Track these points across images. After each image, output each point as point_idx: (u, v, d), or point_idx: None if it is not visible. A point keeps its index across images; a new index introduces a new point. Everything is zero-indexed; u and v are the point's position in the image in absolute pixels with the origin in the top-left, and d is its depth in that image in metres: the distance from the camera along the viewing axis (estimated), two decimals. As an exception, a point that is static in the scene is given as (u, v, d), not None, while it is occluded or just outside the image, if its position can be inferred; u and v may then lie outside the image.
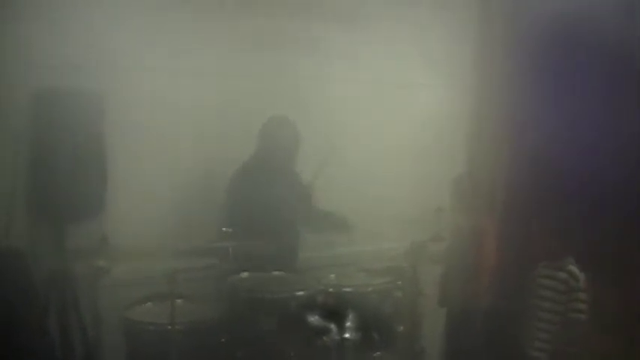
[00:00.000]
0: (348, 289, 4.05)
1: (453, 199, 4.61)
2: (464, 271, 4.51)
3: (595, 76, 4.82)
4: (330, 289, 4.01)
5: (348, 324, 3.84)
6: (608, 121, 4.79)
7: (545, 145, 4.92)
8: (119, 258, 3.83)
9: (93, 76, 4.17)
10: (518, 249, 4.62)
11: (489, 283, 4.54)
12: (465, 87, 5.49)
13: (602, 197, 4.68)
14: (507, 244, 4.70)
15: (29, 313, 3.84)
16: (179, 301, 3.75)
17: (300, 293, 3.83)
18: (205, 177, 4.63)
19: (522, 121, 5.07)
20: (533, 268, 4.37)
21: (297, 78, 4.98)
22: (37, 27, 4.06)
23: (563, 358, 4.16)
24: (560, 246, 4.26)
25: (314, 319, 3.78)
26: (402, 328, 4.11)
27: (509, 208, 4.96)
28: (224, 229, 3.82)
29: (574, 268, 4.16)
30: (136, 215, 4.32)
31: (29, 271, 3.95)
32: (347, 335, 3.80)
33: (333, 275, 4.25)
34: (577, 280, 4.14)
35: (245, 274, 4.04)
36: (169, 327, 3.62)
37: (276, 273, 4.13)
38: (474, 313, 4.49)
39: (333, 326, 3.76)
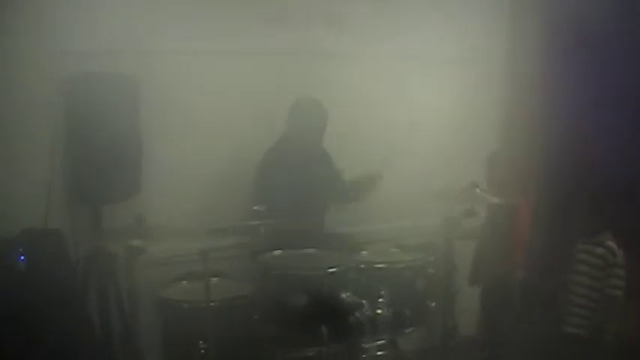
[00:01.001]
0: (380, 266, 4.06)
1: (488, 175, 4.59)
2: (499, 246, 4.49)
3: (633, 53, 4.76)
4: (362, 266, 4.01)
5: (380, 300, 3.86)
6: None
7: (583, 120, 4.86)
8: (154, 237, 3.90)
9: (127, 60, 4.23)
10: (554, 225, 4.58)
11: (525, 258, 4.52)
12: (500, 61, 5.45)
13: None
14: (543, 219, 4.66)
15: (68, 292, 3.93)
16: (213, 279, 3.82)
17: (333, 270, 3.82)
18: (238, 157, 4.66)
19: (559, 96, 5.01)
20: (570, 244, 4.34)
21: (327, 55, 4.96)
22: (71, 13, 4.12)
23: (601, 335, 4.12)
24: (598, 221, 4.21)
25: (346, 295, 3.79)
26: (434, 304, 4.10)
27: (545, 183, 4.92)
28: (255, 207, 3.84)
29: (612, 244, 4.11)
30: (170, 195, 4.39)
31: (67, 251, 4.05)
32: (379, 311, 3.82)
33: (365, 252, 4.26)
34: (615, 255, 4.09)
35: (278, 252, 4.05)
36: (204, 305, 3.68)
37: (308, 250, 4.14)
38: (509, 289, 4.48)
39: (365, 302, 3.79)
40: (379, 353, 3.88)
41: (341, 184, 4.73)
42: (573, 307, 4.15)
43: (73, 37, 4.12)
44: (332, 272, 3.81)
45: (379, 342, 3.87)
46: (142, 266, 4.04)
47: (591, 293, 4.09)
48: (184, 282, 4.09)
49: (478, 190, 4.25)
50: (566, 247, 4.37)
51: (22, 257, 3.82)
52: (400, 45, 5.20)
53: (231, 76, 4.63)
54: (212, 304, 3.70)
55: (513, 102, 5.39)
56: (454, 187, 4.31)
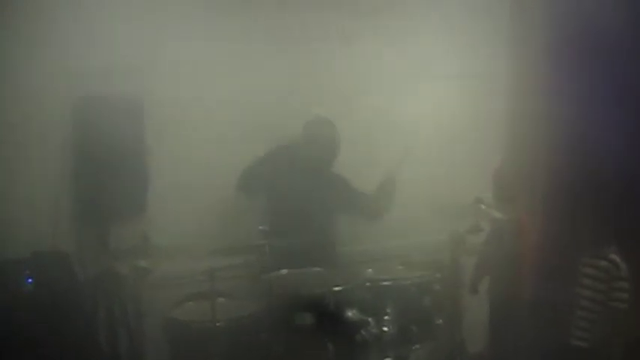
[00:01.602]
0: (386, 283, 4.04)
1: (493, 190, 4.59)
2: (504, 261, 4.48)
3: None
4: (368, 284, 4.01)
5: (386, 317, 3.87)
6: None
7: (587, 133, 4.85)
8: (160, 258, 3.92)
9: (134, 81, 4.27)
10: (559, 238, 4.58)
11: (530, 273, 4.51)
12: (505, 76, 5.44)
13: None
14: (548, 233, 4.65)
15: (75, 313, 3.95)
16: (219, 299, 3.83)
17: (338, 288, 3.83)
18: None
19: (563, 110, 5.00)
20: (575, 257, 4.34)
21: (331, 72, 4.99)
22: (76, 35, 4.17)
23: (605, 348, 4.12)
24: (602, 234, 4.21)
25: (352, 313, 3.80)
26: (441, 320, 4.09)
27: (550, 197, 4.91)
28: (261, 227, 3.86)
29: (616, 257, 4.10)
30: (176, 216, 4.40)
31: (75, 273, 4.08)
32: (385, 329, 3.82)
33: (370, 270, 4.26)
34: (619, 268, 4.08)
35: (283, 271, 4.06)
36: (210, 325, 3.69)
37: (313, 269, 4.14)
38: (515, 304, 4.46)
39: (370, 320, 3.79)
40: (386, 370, 3.90)
41: (358, 200, 4.77)
42: (577, 320, 4.15)
43: (79, 58, 4.17)
44: (337, 290, 3.81)
45: (386, 359, 3.88)
46: (149, 287, 4.08)
47: (595, 306, 4.08)
48: (191, 302, 4.09)
49: (483, 206, 4.25)
50: (572, 261, 4.38)
51: (30, 279, 3.86)
52: (404, 60, 5.23)
53: (237, 96, 4.64)
54: (218, 324, 3.72)
55: (519, 116, 5.39)
56: (459, 203, 4.31)
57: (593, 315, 4.07)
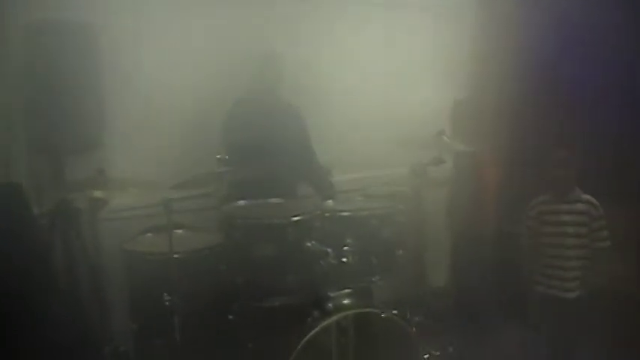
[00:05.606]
0: (345, 214, 4.01)
1: (453, 123, 4.56)
2: (465, 196, 4.48)
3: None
4: (327, 214, 3.97)
5: (345, 248, 3.84)
6: (616, 38, 4.68)
7: (551, 68, 4.83)
8: (118, 189, 3.85)
9: (88, 8, 4.14)
10: (522, 177, 4.55)
11: (493, 208, 4.50)
12: (468, 10, 5.38)
13: (609, 124, 4.56)
14: (510, 171, 4.62)
15: (32, 246, 3.88)
16: (178, 230, 3.78)
17: (297, 219, 3.78)
18: (200, 107, 4.60)
19: (527, 44, 4.96)
20: (537, 196, 4.28)
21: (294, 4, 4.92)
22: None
23: (592, 298, 4.08)
24: (569, 176, 4.14)
25: (311, 244, 3.77)
26: (401, 252, 4.07)
27: (515, 135, 4.89)
28: (218, 156, 3.79)
29: (590, 197, 4.04)
30: (132, 147, 4.32)
31: (29, 203, 3.99)
32: (344, 260, 3.80)
33: (330, 201, 4.23)
34: (597, 208, 4.02)
35: (242, 202, 4.02)
36: (168, 256, 3.64)
37: (272, 200, 4.11)
38: (477, 239, 4.47)
39: (330, 251, 3.76)
40: (346, 302, 3.88)
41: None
42: (565, 272, 4.06)
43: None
44: (296, 221, 3.77)
45: (346, 290, 3.87)
46: (106, 219, 4.01)
47: (580, 252, 4.02)
48: (149, 234, 4.04)
49: (445, 138, 4.21)
50: (534, 200, 4.35)
51: (-17, 211, 3.78)
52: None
53: (195, 27, 4.56)
54: (176, 255, 3.66)
55: (481, 50, 5.34)
56: (421, 135, 4.27)
57: (580, 262, 4.02)
